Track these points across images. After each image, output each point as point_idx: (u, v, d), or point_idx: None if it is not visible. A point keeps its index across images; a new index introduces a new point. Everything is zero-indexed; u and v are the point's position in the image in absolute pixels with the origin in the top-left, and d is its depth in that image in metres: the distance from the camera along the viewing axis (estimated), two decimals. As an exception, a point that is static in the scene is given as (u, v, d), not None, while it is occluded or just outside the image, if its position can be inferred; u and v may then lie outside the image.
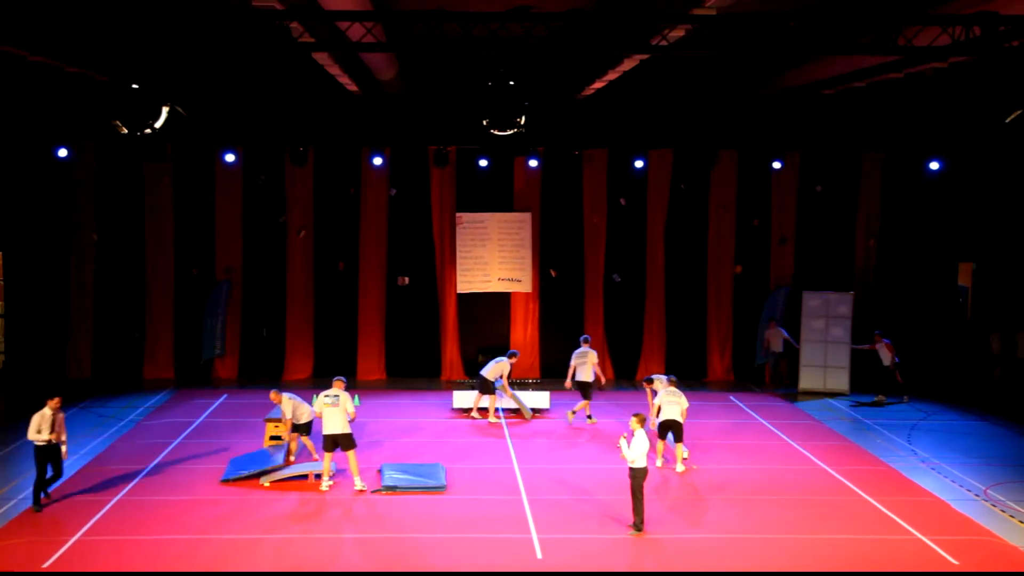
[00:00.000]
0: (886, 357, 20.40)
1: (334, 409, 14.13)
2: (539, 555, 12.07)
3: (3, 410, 18.95)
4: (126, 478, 14.71)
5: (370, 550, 12.24)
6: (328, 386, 14.58)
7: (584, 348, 18.43)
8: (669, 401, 15.42)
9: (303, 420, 15.16)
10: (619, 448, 12.88)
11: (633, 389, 21.72)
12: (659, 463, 15.53)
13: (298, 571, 11.65)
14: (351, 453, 14.28)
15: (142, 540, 12.32)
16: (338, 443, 14.19)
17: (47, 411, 13.47)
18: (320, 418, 14.38)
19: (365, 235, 22.31)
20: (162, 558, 11.81)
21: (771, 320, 22.15)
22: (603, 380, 18.83)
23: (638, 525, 12.76)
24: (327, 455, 14.36)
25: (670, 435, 15.50)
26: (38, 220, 21.61)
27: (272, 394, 15.36)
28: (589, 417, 18.35)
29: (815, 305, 21.78)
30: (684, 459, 15.70)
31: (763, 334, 22.21)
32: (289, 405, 15.12)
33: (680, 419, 15.28)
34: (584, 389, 18.19)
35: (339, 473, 14.82)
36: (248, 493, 14.13)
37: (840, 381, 21.58)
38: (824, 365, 21.64)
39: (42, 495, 13.46)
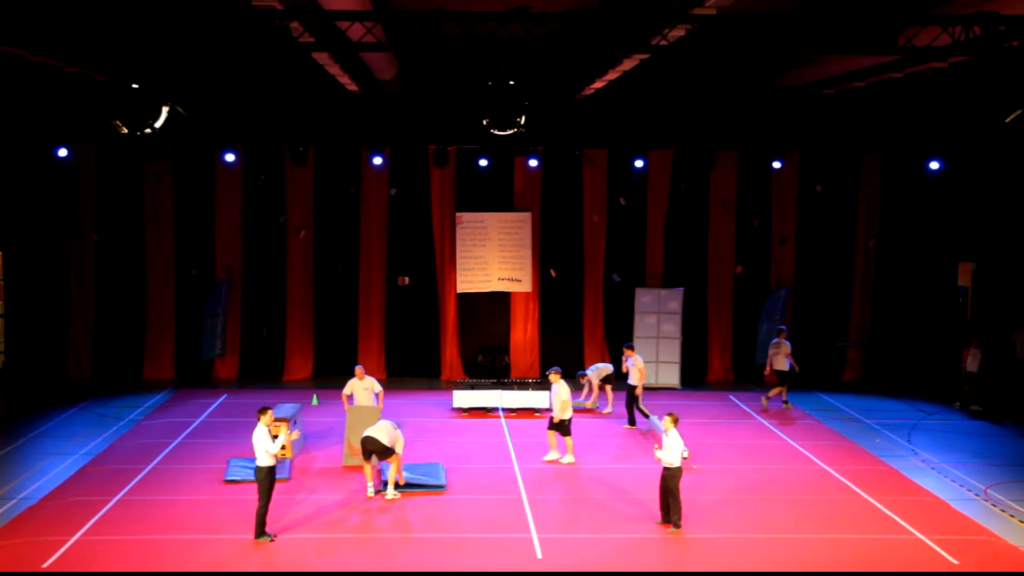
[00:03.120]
0: (974, 364, 20.10)
1: (387, 423, 14.08)
2: (539, 555, 12.07)
3: (3, 410, 18.93)
4: (126, 478, 14.70)
5: (370, 550, 12.24)
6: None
7: (778, 339, 19.89)
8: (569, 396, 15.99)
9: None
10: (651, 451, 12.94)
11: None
12: (556, 456, 15.99)
13: (298, 571, 11.66)
14: (388, 463, 14.14)
15: (142, 540, 12.32)
16: (373, 452, 13.97)
17: (265, 428, 12.32)
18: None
19: (365, 235, 22.32)
20: (162, 558, 11.81)
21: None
22: (796, 369, 19.99)
23: (676, 522, 12.82)
24: (367, 464, 14.20)
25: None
26: (38, 220, 21.60)
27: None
28: (785, 402, 19.95)
29: (647, 301, 22.06)
30: (684, 459, 15.64)
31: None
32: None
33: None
34: (780, 377, 19.77)
35: (331, 473, 14.82)
36: (249, 493, 14.07)
37: (671, 376, 21.78)
38: (656, 360, 21.72)
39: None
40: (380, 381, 21.94)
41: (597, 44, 15.04)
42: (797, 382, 22.40)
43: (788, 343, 19.84)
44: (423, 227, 22.42)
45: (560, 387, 15.79)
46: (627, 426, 18.28)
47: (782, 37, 14.41)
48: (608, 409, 19.36)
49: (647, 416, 18.19)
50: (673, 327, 21.87)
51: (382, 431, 13.91)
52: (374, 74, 18.41)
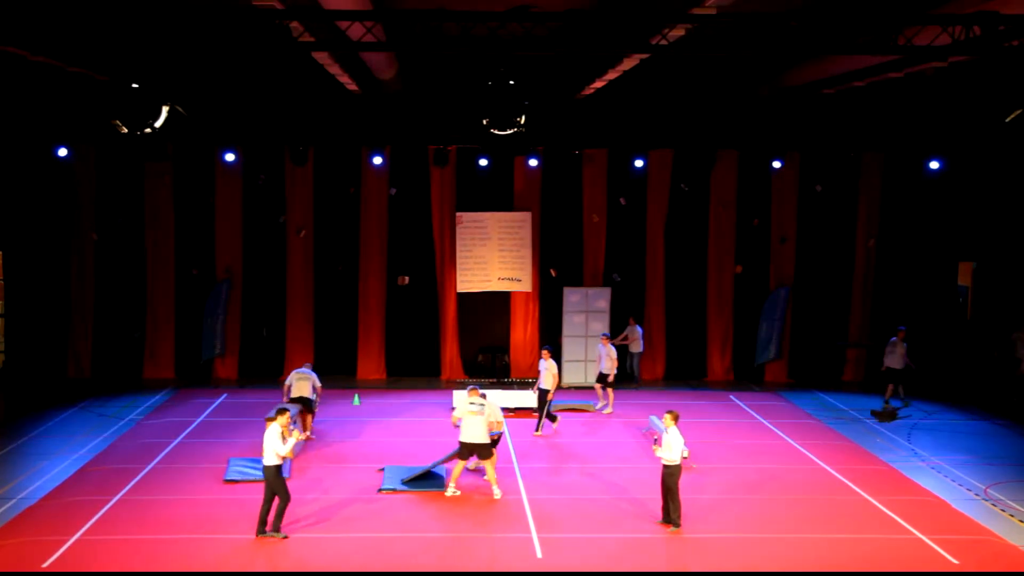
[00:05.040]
0: None
1: (478, 417, 13.95)
2: (539, 555, 12.07)
3: (3, 410, 18.93)
4: (126, 478, 14.69)
5: (370, 550, 12.23)
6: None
7: (896, 339, 20.14)
8: (471, 412, 14.13)
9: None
10: (652, 449, 12.91)
11: (634, 389, 21.70)
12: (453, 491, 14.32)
13: (298, 571, 11.66)
14: (489, 462, 14.12)
15: (142, 540, 12.32)
16: (475, 452, 14.05)
17: (279, 428, 12.34)
18: (458, 424, 14.21)
19: (365, 235, 22.31)
20: (162, 558, 11.81)
21: (630, 318, 22.10)
22: (913, 367, 20.23)
23: (676, 521, 12.83)
24: (460, 463, 14.24)
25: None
26: (38, 220, 21.58)
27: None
28: (904, 401, 20.18)
29: (575, 300, 22.04)
30: (684, 458, 15.66)
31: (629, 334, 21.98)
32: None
33: (484, 439, 13.94)
34: (892, 375, 20.19)
35: (331, 473, 14.81)
36: (249, 493, 14.10)
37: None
38: (585, 359, 21.67)
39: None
40: (380, 381, 22.25)
41: (597, 44, 15.04)
42: (798, 382, 22.49)
43: (905, 344, 19.93)
44: (423, 227, 22.41)
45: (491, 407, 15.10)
46: (536, 433, 17.61)
47: (782, 37, 14.41)
48: (608, 409, 19.34)
49: (553, 421, 17.84)
50: (601, 326, 21.73)
51: (477, 430, 13.88)
52: (374, 74, 18.41)
